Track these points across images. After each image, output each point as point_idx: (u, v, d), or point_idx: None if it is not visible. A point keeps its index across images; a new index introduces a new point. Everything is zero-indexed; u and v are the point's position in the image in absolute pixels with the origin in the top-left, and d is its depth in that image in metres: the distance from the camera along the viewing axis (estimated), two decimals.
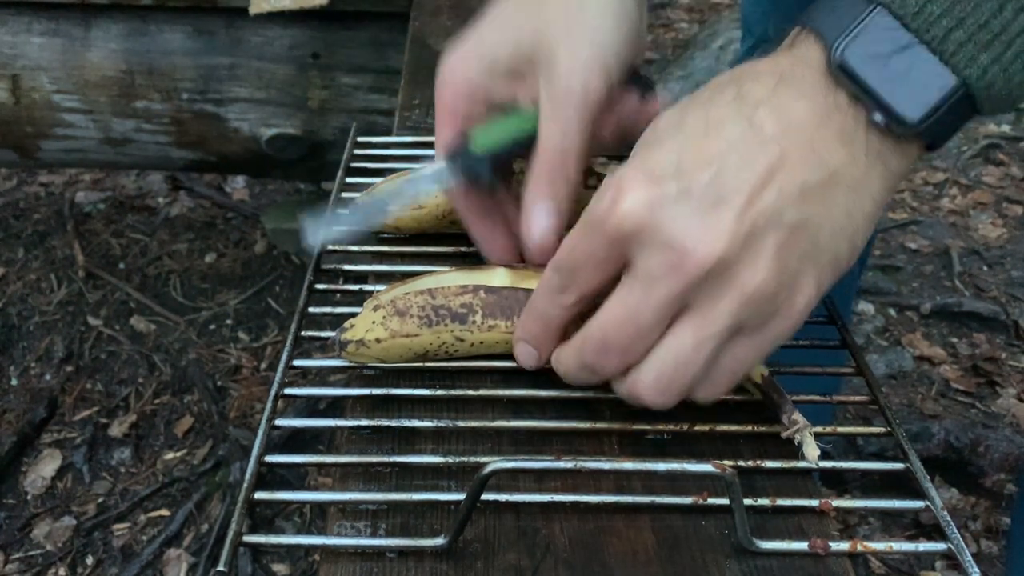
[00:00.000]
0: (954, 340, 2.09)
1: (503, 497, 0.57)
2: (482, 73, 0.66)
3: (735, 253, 0.47)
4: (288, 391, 0.65)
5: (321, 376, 0.70)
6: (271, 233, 2.27)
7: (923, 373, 1.99)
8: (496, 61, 0.66)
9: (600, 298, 0.53)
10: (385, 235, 0.82)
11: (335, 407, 1.62)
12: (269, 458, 0.59)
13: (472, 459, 0.59)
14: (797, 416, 0.59)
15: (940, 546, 0.55)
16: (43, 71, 1.75)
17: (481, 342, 0.65)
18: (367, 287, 0.76)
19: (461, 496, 0.53)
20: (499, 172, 0.67)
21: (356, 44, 1.73)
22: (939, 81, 0.47)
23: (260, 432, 0.61)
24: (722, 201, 0.47)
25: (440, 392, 0.65)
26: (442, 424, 0.62)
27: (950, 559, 0.63)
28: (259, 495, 0.57)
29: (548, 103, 0.62)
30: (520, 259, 0.70)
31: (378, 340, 0.65)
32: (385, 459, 0.59)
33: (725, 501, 0.55)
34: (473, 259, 0.78)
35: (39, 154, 1.88)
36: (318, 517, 1.63)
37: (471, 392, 0.64)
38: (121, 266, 2.27)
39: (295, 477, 1.60)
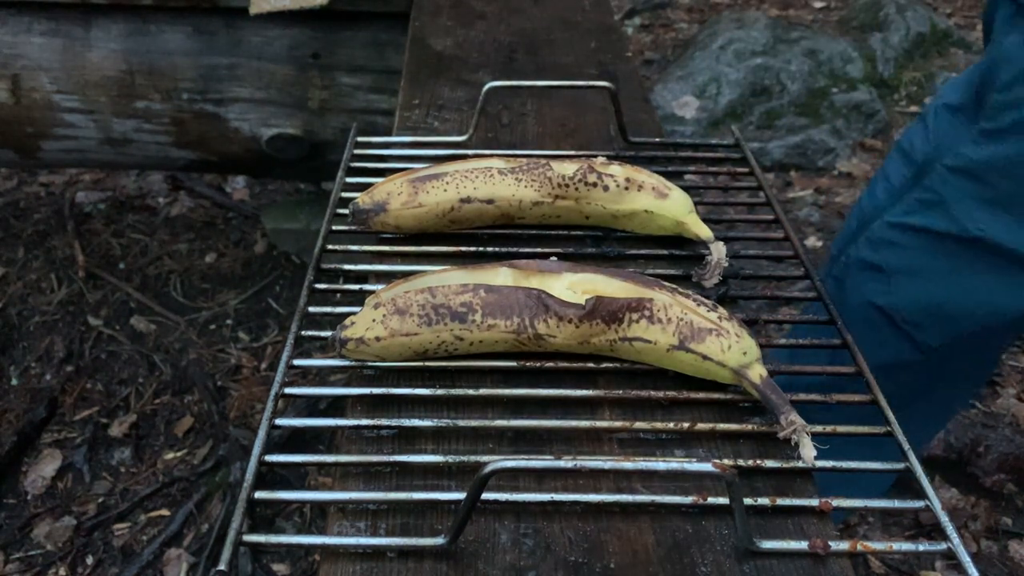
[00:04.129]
0: None
1: (503, 497, 0.57)
2: None
3: None
4: (288, 391, 0.65)
5: (321, 376, 0.70)
6: (271, 233, 2.27)
7: None
8: None
9: None
10: (385, 235, 0.82)
11: (335, 407, 1.62)
12: (269, 458, 0.59)
13: (472, 459, 0.59)
14: (794, 417, 0.59)
15: (940, 546, 0.55)
16: (43, 71, 1.75)
17: (480, 341, 0.65)
18: (367, 287, 0.76)
19: (461, 496, 0.53)
20: None
21: (356, 44, 1.73)
22: None
23: (260, 432, 0.61)
24: None
25: (440, 392, 0.65)
26: (442, 424, 0.62)
27: (950, 559, 0.63)
28: (259, 495, 0.57)
29: None
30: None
31: (377, 338, 0.65)
32: (385, 459, 0.59)
33: (725, 501, 0.55)
34: (473, 259, 0.78)
35: (39, 154, 1.88)
36: (318, 517, 1.62)
37: (471, 392, 0.64)
38: (121, 266, 2.27)
39: (295, 477, 1.60)
